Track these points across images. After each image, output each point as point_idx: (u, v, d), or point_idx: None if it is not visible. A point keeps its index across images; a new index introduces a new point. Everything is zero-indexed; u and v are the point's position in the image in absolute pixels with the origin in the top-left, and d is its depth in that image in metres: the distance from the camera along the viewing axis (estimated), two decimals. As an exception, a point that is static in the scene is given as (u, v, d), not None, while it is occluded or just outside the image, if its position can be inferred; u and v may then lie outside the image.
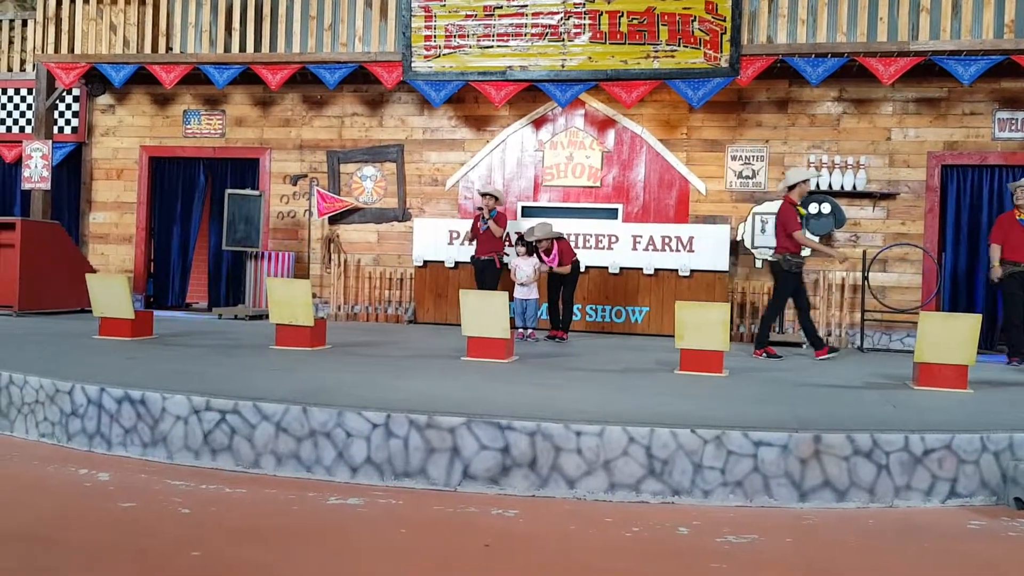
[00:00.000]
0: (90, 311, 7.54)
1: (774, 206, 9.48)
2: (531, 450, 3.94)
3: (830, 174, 9.57)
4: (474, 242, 9.25)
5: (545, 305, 9.11)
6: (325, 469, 4.08)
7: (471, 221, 9.42)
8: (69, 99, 11.60)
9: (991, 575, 3.14)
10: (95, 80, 11.31)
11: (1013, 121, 9.38)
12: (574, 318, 9.12)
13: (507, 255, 8.89)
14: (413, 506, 3.69)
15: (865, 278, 9.15)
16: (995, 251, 8.04)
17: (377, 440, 4.04)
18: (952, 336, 5.72)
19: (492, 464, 3.95)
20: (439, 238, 10.14)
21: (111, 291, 7.23)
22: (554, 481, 3.93)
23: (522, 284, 8.56)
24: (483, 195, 9.24)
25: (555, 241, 8.60)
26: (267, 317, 7.41)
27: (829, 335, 9.41)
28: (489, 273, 9.02)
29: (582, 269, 8.73)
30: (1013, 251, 7.88)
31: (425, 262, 10.21)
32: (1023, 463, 3.98)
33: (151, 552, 3.02)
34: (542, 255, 8.63)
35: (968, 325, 5.74)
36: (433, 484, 3.97)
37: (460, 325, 6.77)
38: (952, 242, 9.56)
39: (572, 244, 9.74)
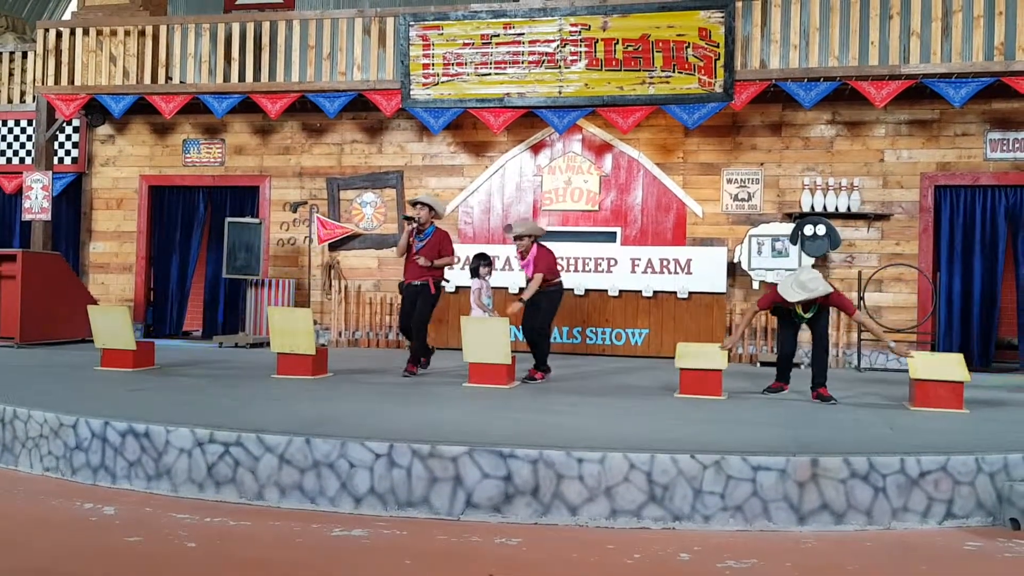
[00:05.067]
0: (91, 341, 7.58)
1: (770, 228, 9.59)
2: (533, 478, 3.99)
3: (824, 196, 9.65)
4: (404, 258, 7.57)
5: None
6: (329, 500, 4.12)
7: (407, 232, 7.52)
8: (69, 130, 11.70)
9: (988, 598, 3.18)
10: (95, 111, 11.41)
11: (1005, 141, 9.48)
12: (571, 340, 9.06)
13: (447, 281, 7.52)
14: (417, 536, 3.73)
15: (861, 298, 9.22)
16: None
17: (380, 470, 4.08)
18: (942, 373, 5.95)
19: (495, 493, 4.00)
20: (438, 263, 10.19)
21: (113, 322, 7.28)
22: (556, 508, 3.97)
23: (485, 309, 7.69)
24: (414, 204, 7.55)
25: (536, 244, 7.36)
26: (268, 345, 7.45)
27: (827, 365, 9.43)
28: (424, 301, 7.40)
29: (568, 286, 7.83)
30: None
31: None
32: (1018, 484, 4.03)
33: (159, 586, 3.05)
34: (520, 257, 7.49)
35: (956, 360, 5.94)
36: (436, 514, 4.01)
37: (461, 350, 6.82)
38: (946, 262, 9.63)
39: (565, 266, 9.76)
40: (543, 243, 7.49)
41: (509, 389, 6.58)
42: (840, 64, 9.23)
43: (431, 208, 7.46)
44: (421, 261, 7.32)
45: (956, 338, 9.67)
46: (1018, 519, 3.94)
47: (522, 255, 7.41)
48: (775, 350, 9.38)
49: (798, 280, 6.21)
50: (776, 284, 6.55)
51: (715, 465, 3.98)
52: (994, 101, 9.33)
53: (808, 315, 6.36)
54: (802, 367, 8.69)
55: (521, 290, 7.55)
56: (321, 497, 4.13)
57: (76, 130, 11.71)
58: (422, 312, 7.41)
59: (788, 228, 9.46)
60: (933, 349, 9.44)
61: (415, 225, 7.42)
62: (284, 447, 4.20)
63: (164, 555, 3.39)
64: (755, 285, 9.67)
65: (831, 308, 6.51)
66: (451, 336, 9.95)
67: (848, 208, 9.60)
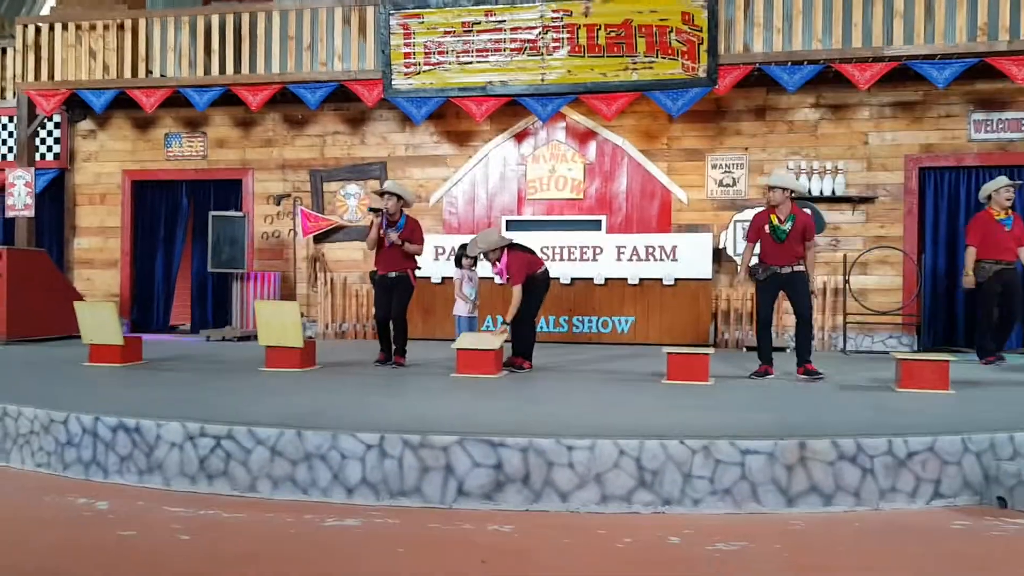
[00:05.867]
0: (78, 337, 7.55)
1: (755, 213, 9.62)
2: (524, 466, 4.00)
3: (809, 180, 9.69)
4: (375, 251, 7.42)
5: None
6: (321, 491, 4.12)
7: (376, 224, 7.29)
8: (50, 126, 11.60)
9: (975, 574, 3.22)
10: (76, 106, 11.31)
11: (988, 122, 9.55)
12: (560, 329, 9.11)
13: (419, 268, 7.54)
14: (409, 525, 3.75)
15: (846, 281, 9.29)
16: (971, 255, 7.86)
17: (372, 461, 4.09)
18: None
19: (486, 481, 4.01)
20: (424, 254, 10.12)
21: (99, 318, 7.25)
22: (547, 495, 3.99)
23: (467, 300, 7.82)
24: (382, 194, 7.32)
25: (505, 251, 7.15)
26: (255, 338, 7.43)
27: (812, 339, 9.52)
28: (400, 292, 7.28)
29: (554, 275, 7.63)
30: (993, 251, 7.79)
31: (412, 278, 10.24)
32: (1005, 463, 4.08)
33: (152, 581, 3.06)
34: (492, 267, 7.34)
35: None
36: (428, 502, 4.03)
37: (447, 340, 6.83)
38: (931, 243, 9.71)
39: (551, 255, 9.79)
40: (515, 246, 7.25)
41: (497, 379, 6.60)
42: (823, 47, 9.25)
43: (399, 197, 7.23)
44: (393, 236, 7.12)
45: (941, 320, 9.76)
46: (1005, 498, 4.00)
47: (494, 264, 7.20)
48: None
49: (773, 175, 7.05)
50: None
51: (704, 450, 4.01)
52: (977, 82, 9.39)
53: (787, 227, 6.60)
54: (787, 351, 8.76)
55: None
56: (313, 488, 4.13)
57: (57, 126, 11.62)
58: (402, 305, 7.31)
59: (773, 212, 9.50)
60: (918, 331, 9.54)
61: (384, 216, 7.20)
62: (275, 439, 4.20)
63: (158, 548, 3.39)
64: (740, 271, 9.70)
65: (809, 278, 6.78)
66: (437, 327, 9.97)
67: (833, 191, 9.66)
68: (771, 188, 6.78)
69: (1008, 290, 7.82)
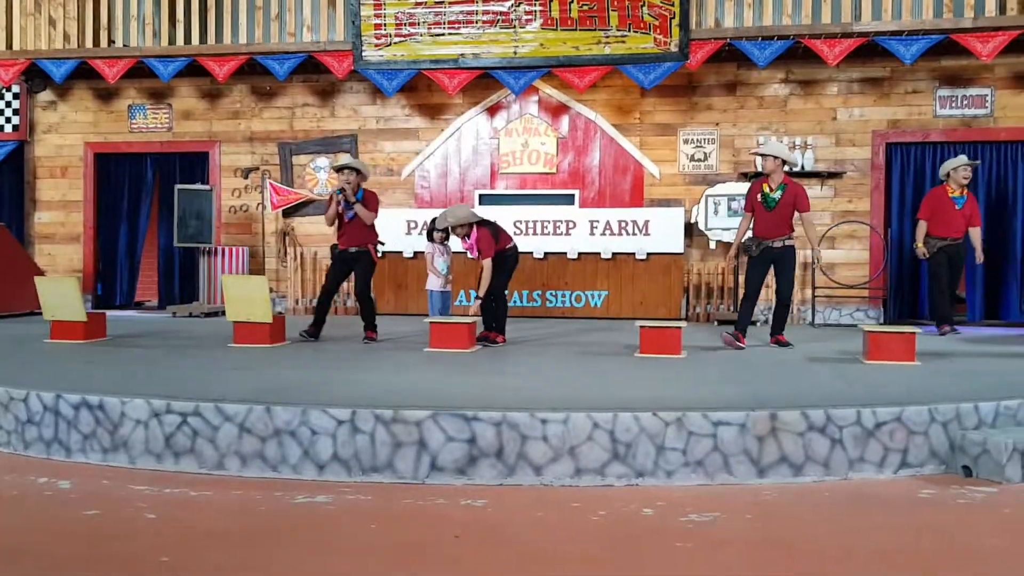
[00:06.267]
0: (39, 313, 7.40)
1: (726, 188, 9.65)
2: (497, 440, 3.99)
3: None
4: (335, 227, 7.43)
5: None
6: (291, 468, 4.08)
7: (335, 201, 7.26)
8: (9, 96, 11.29)
9: (942, 541, 3.27)
10: (35, 76, 11.02)
11: (953, 98, 9.62)
12: (535, 304, 9.08)
13: (383, 243, 7.59)
14: (382, 501, 3.72)
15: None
16: (921, 228, 8.33)
17: (343, 436, 4.05)
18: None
19: (459, 455, 3.99)
20: (396, 228, 10.06)
21: (61, 293, 7.10)
22: (521, 469, 3.98)
23: (438, 275, 7.79)
24: (339, 170, 7.34)
25: (475, 227, 7.15)
26: (223, 314, 7.33)
27: (787, 317, 9.60)
28: (362, 267, 7.31)
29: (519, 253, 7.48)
30: (942, 227, 8.14)
31: (383, 253, 10.12)
32: (970, 432, 4.14)
33: (118, 559, 3.00)
34: (462, 242, 7.32)
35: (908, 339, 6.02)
36: (401, 478, 4.00)
37: (420, 315, 6.78)
38: (897, 218, 9.80)
39: (524, 229, 9.76)
40: (484, 222, 7.19)
41: (470, 353, 6.57)
42: (793, 22, 9.28)
43: (358, 172, 7.25)
44: (362, 212, 7.11)
45: (907, 293, 9.87)
46: (970, 467, 4.06)
47: (463, 239, 7.19)
48: (734, 308, 9.51)
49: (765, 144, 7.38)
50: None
51: (676, 422, 4.02)
52: (943, 58, 9.45)
53: (776, 195, 6.85)
54: (758, 324, 8.83)
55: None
56: (283, 465, 4.09)
57: (16, 96, 11.31)
58: (365, 281, 7.30)
59: (744, 188, 9.51)
60: (885, 305, 9.66)
61: (343, 194, 7.14)
62: (244, 416, 4.14)
63: (123, 527, 3.33)
64: (712, 245, 9.76)
65: (796, 251, 7.09)
66: (410, 301, 9.90)
67: (802, 167, 9.69)
68: (763, 156, 6.98)
69: (951, 263, 8.24)
